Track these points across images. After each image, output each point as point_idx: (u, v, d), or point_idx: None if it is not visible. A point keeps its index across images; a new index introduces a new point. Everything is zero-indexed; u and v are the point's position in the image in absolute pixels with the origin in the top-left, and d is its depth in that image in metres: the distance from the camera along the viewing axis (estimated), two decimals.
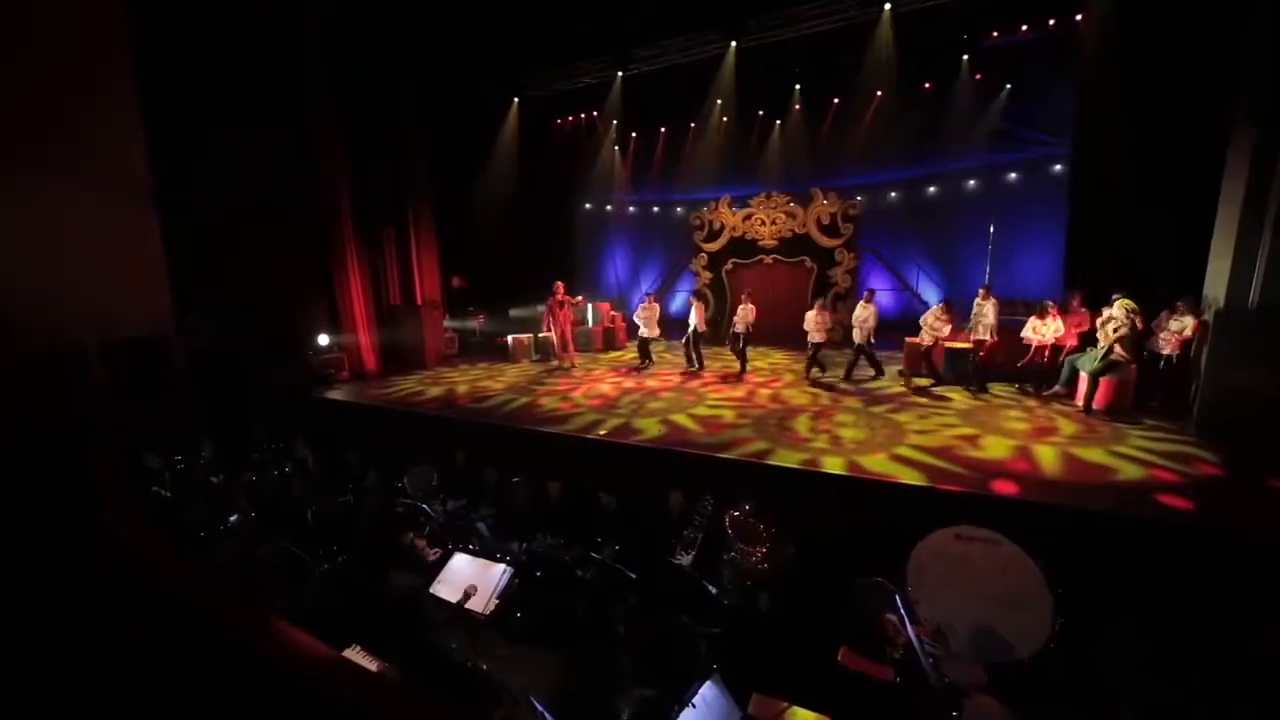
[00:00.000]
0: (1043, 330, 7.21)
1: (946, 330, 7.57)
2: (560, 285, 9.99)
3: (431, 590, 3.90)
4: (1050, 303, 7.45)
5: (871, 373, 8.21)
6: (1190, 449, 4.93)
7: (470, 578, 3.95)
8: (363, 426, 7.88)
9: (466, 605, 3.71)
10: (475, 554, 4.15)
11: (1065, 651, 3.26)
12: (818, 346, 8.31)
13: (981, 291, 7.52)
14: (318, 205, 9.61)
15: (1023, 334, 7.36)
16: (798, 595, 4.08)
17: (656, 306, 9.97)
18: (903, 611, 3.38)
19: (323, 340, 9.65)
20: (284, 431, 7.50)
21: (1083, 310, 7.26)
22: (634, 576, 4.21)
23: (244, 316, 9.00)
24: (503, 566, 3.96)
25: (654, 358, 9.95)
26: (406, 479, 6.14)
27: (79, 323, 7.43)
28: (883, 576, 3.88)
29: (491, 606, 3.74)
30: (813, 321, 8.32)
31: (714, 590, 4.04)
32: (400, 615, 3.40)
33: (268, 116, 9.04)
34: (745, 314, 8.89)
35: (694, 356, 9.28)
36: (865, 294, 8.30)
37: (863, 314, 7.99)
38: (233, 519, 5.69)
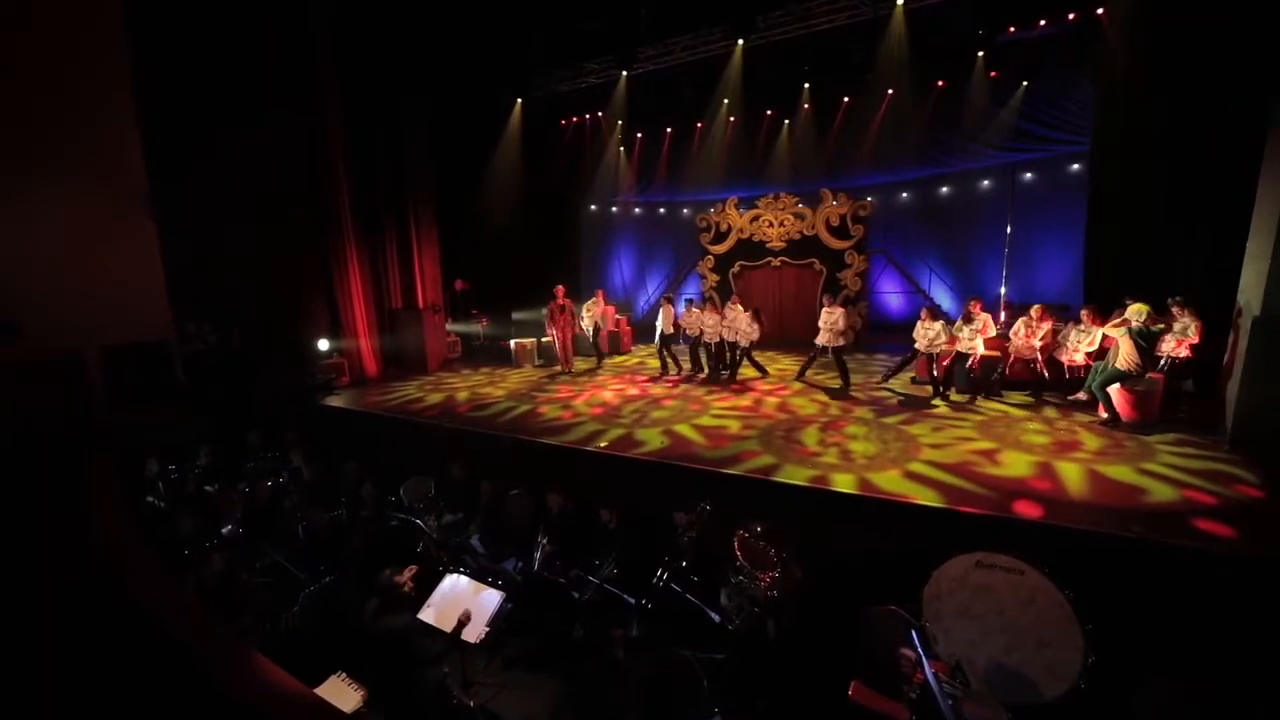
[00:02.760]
0: (940, 333, 7.13)
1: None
2: (561, 289, 9.79)
3: (420, 616, 3.72)
4: (974, 301, 7.37)
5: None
6: (1226, 467, 4.64)
7: (461, 602, 3.77)
8: (360, 435, 7.73)
9: (456, 633, 3.52)
10: (468, 575, 3.97)
11: (1097, 694, 3.01)
12: (826, 350, 7.91)
13: (827, 299, 7.99)
14: (318, 207, 9.48)
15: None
16: (807, 622, 3.86)
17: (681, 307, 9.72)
18: (919, 647, 3.15)
19: (323, 345, 9.53)
20: (281, 439, 7.38)
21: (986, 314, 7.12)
22: (633, 601, 4.01)
23: (244, 321, 8.92)
24: (495, 592, 3.77)
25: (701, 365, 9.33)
26: (403, 490, 5.98)
27: (76, 327, 7.34)
28: (897, 604, 3.65)
29: (482, 634, 3.55)
30: (823, 321, 7.89)
31: (716, 618, 3.83)
32: (386, 651, 3.20)
33: (267, 116, 8.91)
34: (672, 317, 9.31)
35: (669, 361, 9.40)
36: (925, 310, 7.54)
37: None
38: (225, 530, 5.57)
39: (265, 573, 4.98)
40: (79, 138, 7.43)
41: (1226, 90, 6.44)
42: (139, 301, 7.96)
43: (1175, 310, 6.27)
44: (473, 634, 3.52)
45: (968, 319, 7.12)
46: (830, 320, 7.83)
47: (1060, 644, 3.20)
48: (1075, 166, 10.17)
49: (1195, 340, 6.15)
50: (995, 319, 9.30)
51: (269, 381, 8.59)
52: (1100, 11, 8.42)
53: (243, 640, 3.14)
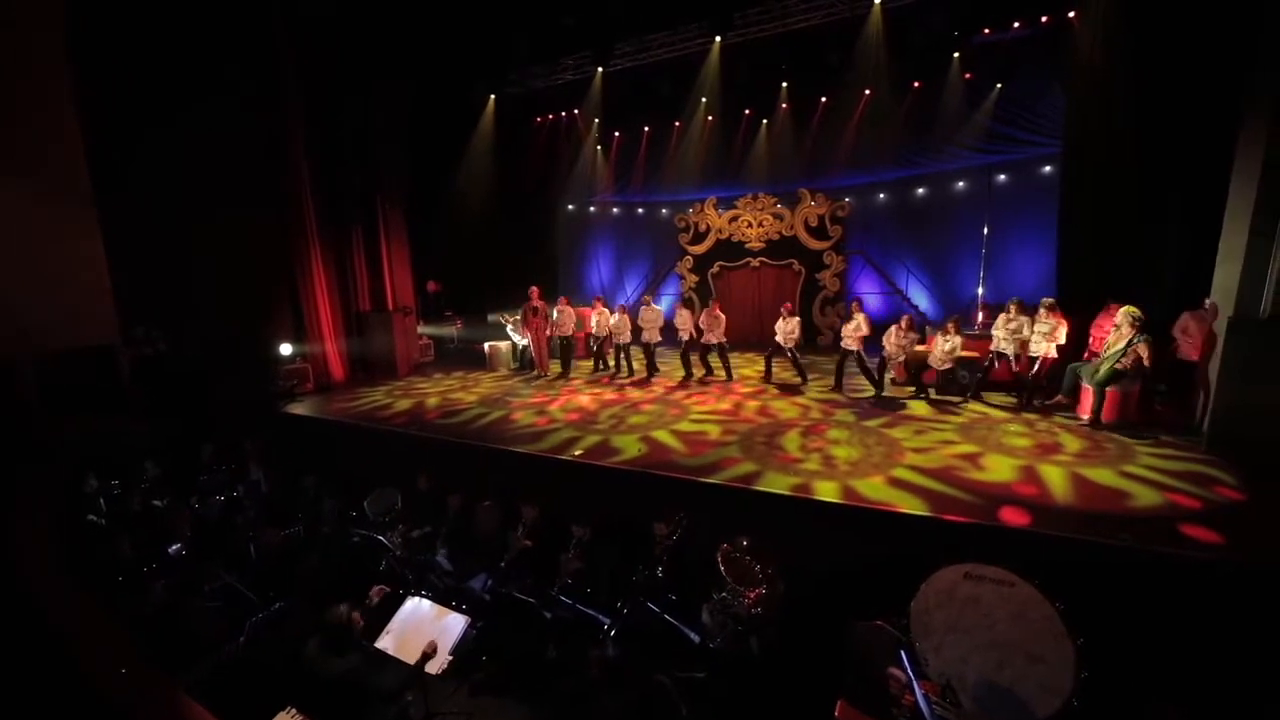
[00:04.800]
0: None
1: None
2: (535, 290, 9.51)
3: (377, 644, 3.45)
4: (855, 301, 7.73)
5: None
6: (1204, 468, 4.63)
7: (422, 628, 3.50)
8: (323, 444, 7.35)
9: (415, 664, 3.25)
10: (430, 599, 3.70)
11: (1090, 711, 2.89)
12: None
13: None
14: (279, 205, 9.04)
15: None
16: (791, 639, 3.69)
17: (658, 309, 9.54)
18: (908, 668, 3.00)
19: (285, 349, 9.08)
20: (237, 450, 6.96)
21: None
22: (607, 621, 3.80)
23: (198, 324, 8.41)
24: (459, 616, 3.52)
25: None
26: (367, 503, 5.67)
27: (9, 332, 6.80)
28: (884, 617, 3.51)
29: (444, 664, 3.29)
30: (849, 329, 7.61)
31: (696, 638, 3.64)
32: (334, 692, 2.92)
33: (225, 110, 8.44)
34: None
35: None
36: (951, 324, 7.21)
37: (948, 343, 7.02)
38: (172, 549, 5.20)
39: (216, 596, 4.63)
40: (10, 131, 6.90)
41: (1198, 92, 6.50)
42: (81, 304, 7.42)
43: (1044, 312, 6.48)
44: (435, 665, 3.26)
45: (848, 318, 7.59)
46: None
47: (1052, 659, 3.08)
48: (1047, 169, 10.27)
49: (1062, 342, 6.44)
50: (973, 319, 9.38)
51: (225, 388, 8.13)
52: (1072, 15, 8.51)
53: (172, 682, 2.84)
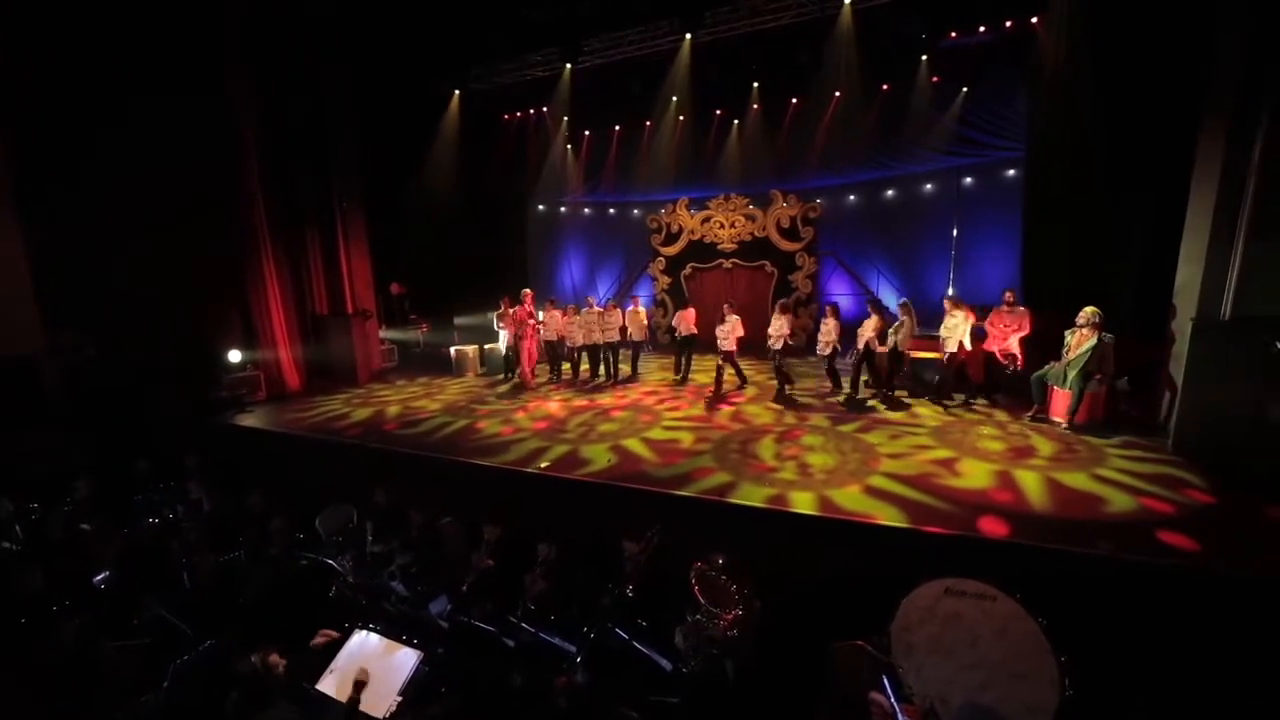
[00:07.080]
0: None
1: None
2: (528, 294, 9.08)
3: (319, 686, 3.13)
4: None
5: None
6: (1173, 470, 4.64)
7: (370, 666, 3.19)
8: (271, 459, 6.89)
9: (360, 707, 2.95)
10: (379, 632, 3.39)
11: None
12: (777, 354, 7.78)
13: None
14: (227, 204, 8.49)
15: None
16: (768, 660, 3.51)
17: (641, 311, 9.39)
18: (890, 693, 2.85)
19: (234, 356, 8.53)
20: (178, 466, 6.45)
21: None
22: (573, 649, 3.56)
23: (135, 330, 7.80)
24: (411, 651, 3.22)
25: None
26: (319, 521, 5.29)
27: None
28: (865, 638, 3.35)
29: (392, 706, 3.00)
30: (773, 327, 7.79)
31: (668, 666, 3.43)
32: None
33: (168, 103, 7.87)
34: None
35: None
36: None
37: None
38: (98, 579, 4.74)
39: (144, 630, 4.20)
40: None
41: (1159, 95, 6.61)
42: None
43: (949, 305, 6.83)
44: (381, 707, 2.97)
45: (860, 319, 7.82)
46: (778, 326, 7.82)
47: (1035, 677, 2.97)
48: (1011, 172, 10.44)
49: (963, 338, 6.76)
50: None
51: (165, 399, 7.56)
52: (1035, 20, 8.62)
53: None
